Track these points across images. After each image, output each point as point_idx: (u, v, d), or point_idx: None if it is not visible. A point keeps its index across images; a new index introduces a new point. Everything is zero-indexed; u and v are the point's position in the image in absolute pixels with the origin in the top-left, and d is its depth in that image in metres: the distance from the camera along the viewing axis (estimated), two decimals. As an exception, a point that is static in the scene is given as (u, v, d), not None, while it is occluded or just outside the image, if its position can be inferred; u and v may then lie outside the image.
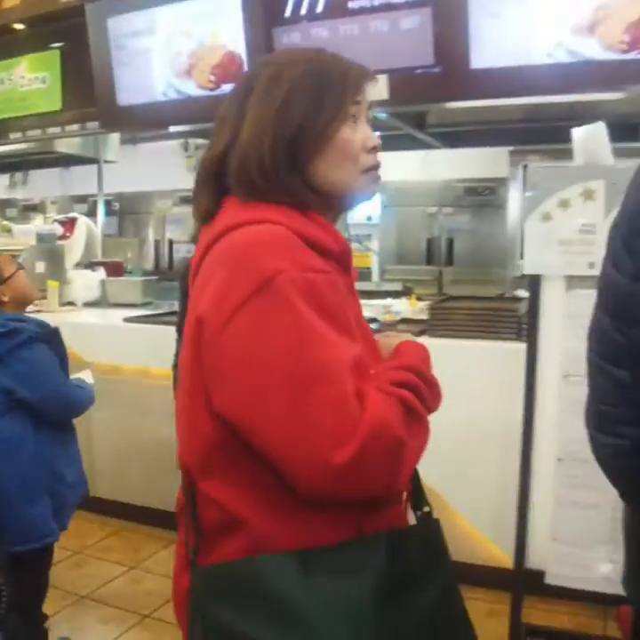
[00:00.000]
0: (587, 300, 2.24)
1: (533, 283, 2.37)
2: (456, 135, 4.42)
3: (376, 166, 1.14)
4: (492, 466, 2.79)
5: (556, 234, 2.29)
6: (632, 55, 2.71)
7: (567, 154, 3.99)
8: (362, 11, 3.24)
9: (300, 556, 0.98)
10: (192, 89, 3.66)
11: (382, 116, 3.54)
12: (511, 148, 4.32)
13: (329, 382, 0.95)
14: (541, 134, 4.03)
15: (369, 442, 0.94)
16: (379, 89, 3.12)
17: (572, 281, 2.31)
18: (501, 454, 2.65)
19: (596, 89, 2.86)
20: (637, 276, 0.90)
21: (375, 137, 1.13)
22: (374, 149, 1.13)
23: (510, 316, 2.76)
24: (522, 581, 2.54)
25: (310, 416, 0.94)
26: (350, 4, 3.26)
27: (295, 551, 0.99)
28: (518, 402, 2.45)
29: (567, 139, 3.93)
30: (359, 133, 1.12)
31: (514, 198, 4.42)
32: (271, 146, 1.06)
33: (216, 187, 1.12)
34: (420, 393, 1.04)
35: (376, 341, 1.18)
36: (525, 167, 4.35)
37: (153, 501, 3.45)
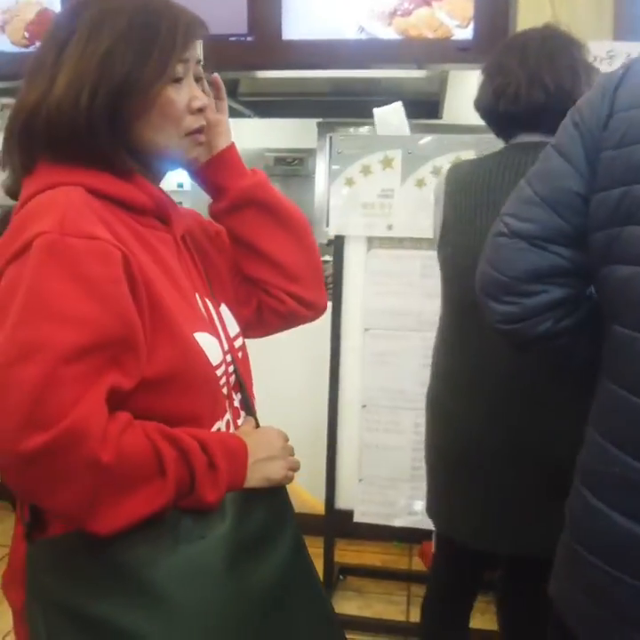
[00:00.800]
0: (385, 259, 2.44)
1: (338, 243, 2.53)
2: (267, 105, 4.49)
3: (200, 129, 1.08)
4: (302, 418, 2.94)
5: (359, 198, 2.46)
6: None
7: (372, 127, 4.22)
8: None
9: (143, 527, 0.92)
10: (6, 45, 3.47)
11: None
12: (319, 119, 4.46)
13: (39, 363, 0.84)
14: (348, 108, 4.19)
15: (63, 440, 0.84)
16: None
17: (372, 241, 2.50)
18: (312, 405, 2.79)
19: (399, 66, 3.06)
20: (596, 186, 0.97)
21: (202, 97, 1.07)
22: (200, 111, 1.07)
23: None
24: (333, 522, 2.71)
25: (5, 398, 0.84)
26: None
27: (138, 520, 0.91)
28: (326, 355, 2.60)
29: (369, 113, 4.16)
30: (184, 94, 1.04)
31: (321, 169, 4.57)
32: (89, 103, 0.96)
33: (27, 142, 1.01)
34: (189, 461, 0.94)
35: (196, 303, 1.09)
36: (331, 139, 4.54)
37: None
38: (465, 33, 2.89)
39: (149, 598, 0.92)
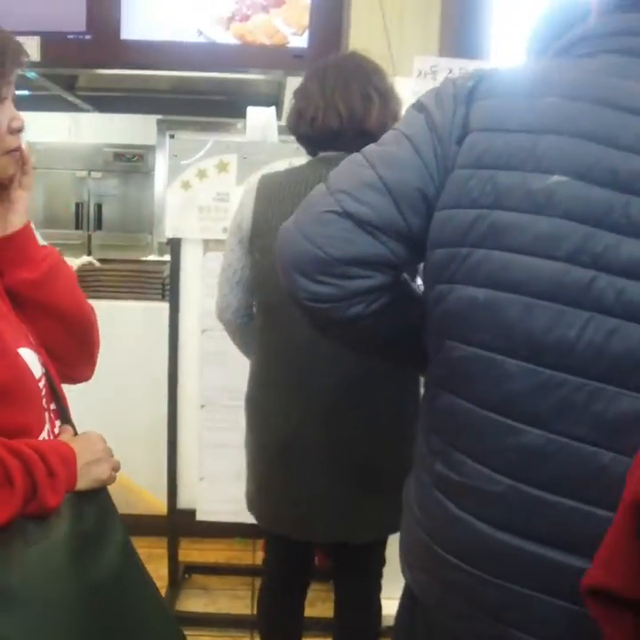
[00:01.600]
0: (221, 261, 2.47)
1: (174, 246, 2.55)
2: (107, 100, 4.41)
3: (17, 148, 1.11)
4: (143, 419, 2.94)
5: (195, 201, 2.49)
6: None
7: (212, 126, 4.24)
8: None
9: None
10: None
11: (31, 74, 3.46)
12: (160, 116, 4.43)
13: None
14: (189, 106, 4.20)
15: None
16: (30, 50, 3.06)
17: (208, 244, 2.53)
18: (152, 407, 2.79)
19: (236, 70, 3.13)
20: (445, 202, 0.96)
21: (19, 117, 1.09)
22: (19, 131, 1.10)
23: (155, 277, 2.93)
24: (176, 521, 2.74)
25: None
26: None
27: None
28: (165, 356, 2.62)
29: (211, 112, 4.18)
30: (5, 114, 1.07)
31: (160, 166, 4.55)
32: None
33: None
34: (31, 471, 0.98)
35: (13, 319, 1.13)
36: (172, 137, 4.52)
37: None
38: (300, 41, 2.99)
39: (7, 600, 0.94)
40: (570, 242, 0.87)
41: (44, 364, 1.14)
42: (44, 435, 1.11)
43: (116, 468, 1.18)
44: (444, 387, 1.00)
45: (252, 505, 1.84)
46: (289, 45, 2.99)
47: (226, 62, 3.05)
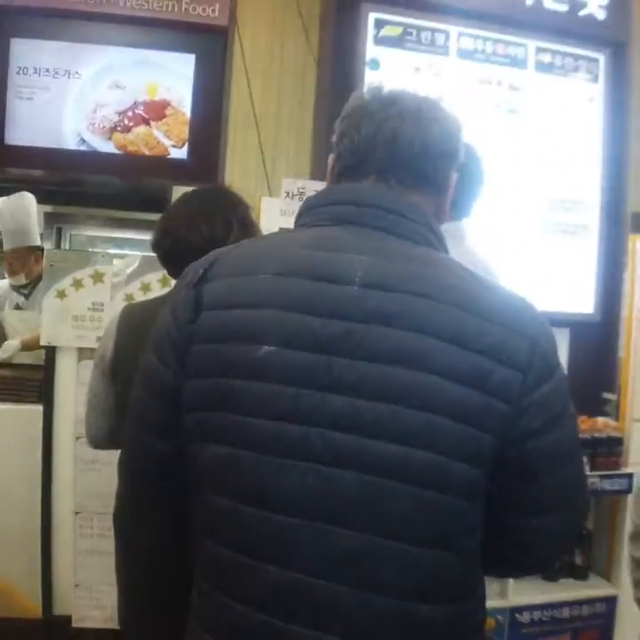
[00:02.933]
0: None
1: (49, 353, 2.59)
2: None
3: None
4: (18, 523, 2.89)
5: (70, 310, 2.56)
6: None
7: (98, 219, 4.27)
8: None
9: None
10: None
11: None
12: (47, 208, 4.42)
13: None
14: (74, 198, 4.20)
15: None
16: None
17: (83, 352, 2.58)
18: (27, 510, 2.76)
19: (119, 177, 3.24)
20: (186, 375, 1.08)
21: None
22: None
23: (32, 382, 2.93)
24: (51, 629, 2.69)
25: None
26: None
27: None
28: (38, 462, 2.62)
29: (97, 204, 4.19)
30: None
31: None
32: None
33: None
34: None
35: None
36: (60, 229, 4.53)
37: None
38: (180, 152, 3.12)
39: None
40: (282, 403, 0.99)
41: None
42: None
43: None
44: (205, 534, 1.09)
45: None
46: (169, 156, 3.11)
47: (109, 170, 3.15)
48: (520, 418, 1.00)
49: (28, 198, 3.66)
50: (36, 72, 3.10)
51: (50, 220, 4.36)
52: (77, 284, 2.55)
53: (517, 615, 2.65)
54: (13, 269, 3.67)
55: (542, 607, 2.69)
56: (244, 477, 1.02)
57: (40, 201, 3.95)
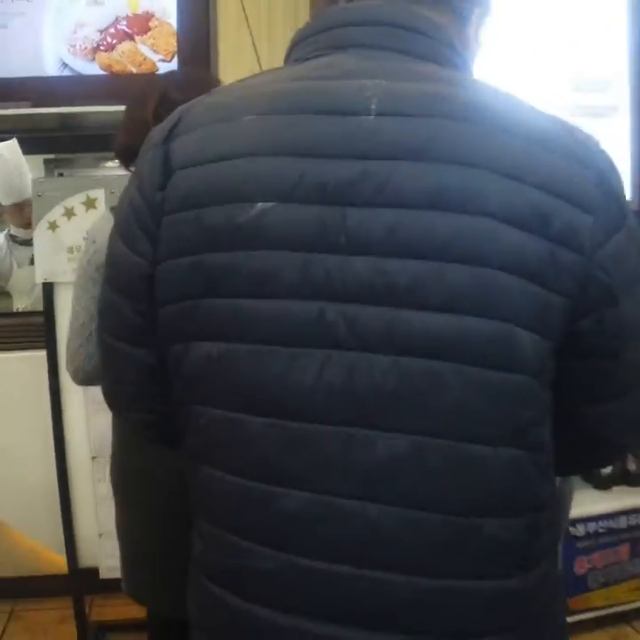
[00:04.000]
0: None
1: (47, 290, 2.43)
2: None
3: None
4: (36, 478, 2.78)
5: (64, 242, 2.37)
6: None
7: (101, 161, 4.11)
8: None
9: None
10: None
11: None
12: (48, 156, 4.28)
13: None
14: (76, 143, 4.06)
15: None
16: None
17: (83, 285, 2.40)
18: (43, 463, 2.64)
19: (104, 102, 3.02)
20: (159, 256, 0.84)
21: None
22: None
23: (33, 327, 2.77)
24: (78, 581, 2.59)
25: None
26: None
27: None
28: (47, 407, 2.49)
29: (97, 148, 4.05)
30: None
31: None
32: None
33: None
34: None
35: None
36: (61, 175, 4.38)
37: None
38: (169, 66, 2.91)
39: None
40: (286, 275, 0.77)
41: None
42: None
43: None
44: (200, 459, 0.87)
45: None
46: (159, 72, 2.90)
47: (96, 94, 2.94)
48: (594, 275, 0.77)
49: (16, 148, 3.44)
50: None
51: (49, 166, 4.18)
52: (68, 212, 2.35)
53: (572, 529, 2.49)
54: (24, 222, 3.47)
55: (597, 518, 2.55)
56: (245, 378, 0.79)
57: (36, 151, 3.79)
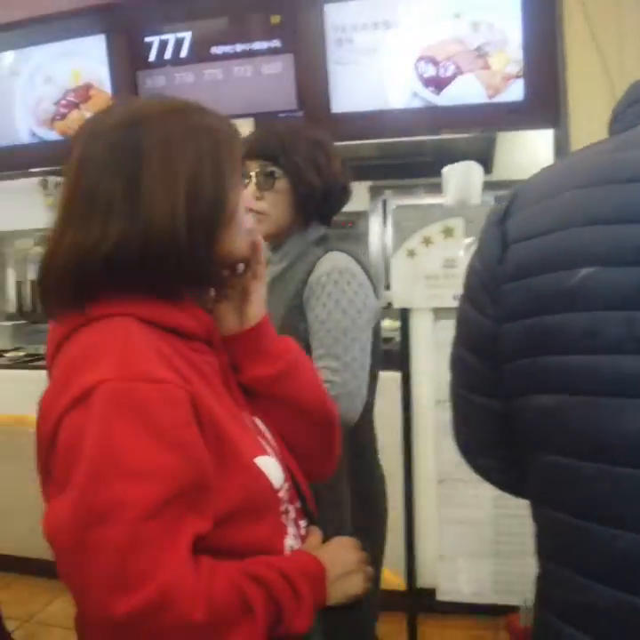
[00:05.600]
0: (453, 330, 2.41)
1: (403, 315, 2.50)
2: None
3: (253, 228, 1.11)
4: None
5: (421, 269, 2.44)
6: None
7: (420, 188, 4.21)
8: (225, 56, 3.35)
9: None
10: (54, 135, 3.70)
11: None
12: (370, 182, 4.48)
13: (119, 524, 0.81)
14: (395, 170, 4.20)
15: (155, 603, 0.81)
16: (244, 132, 3.22)
17: (439, 312, 2.46)
18: (389, 480, 2.72)
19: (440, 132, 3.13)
20: (500, 319, 0.96)
21: (248, 193, 1.11)
22: (251, 210, 1.11)
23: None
24: (415, 601, 2.64)
25: (89, 565, 0.82)
26: (214, 50, 3.37)
27: None
28: (397, 429, 2.55)
29: (418, 174, 4.16)
30: (242, 197, 1.07)
31: (374, 230, 4.59)
32: (187, 230, 0.95)
33: (85, 278, 0.95)
34: (274, 597, 0.92)
35: (250, 426, 1.08)
36: (384, 202, 4.56)
37: (40, 552, 3.30)
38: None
39: None
40: (611, 332, 0.83)
41: (286, 468, 1.09)
42: (290, 541, 1.05)
43: (370, 579, 1.09)
44: (541, 501, 0.96)
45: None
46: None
47: (438, 124, 3.02)
48: None
49: None
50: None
51: (375, 193, 4.39)
52: (427, 240, 2.42)
53: None
54: None
55: None
56: (577, 427, 0.87)
57: (360, 177, 4.00)
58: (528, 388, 0.93)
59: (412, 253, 2.44)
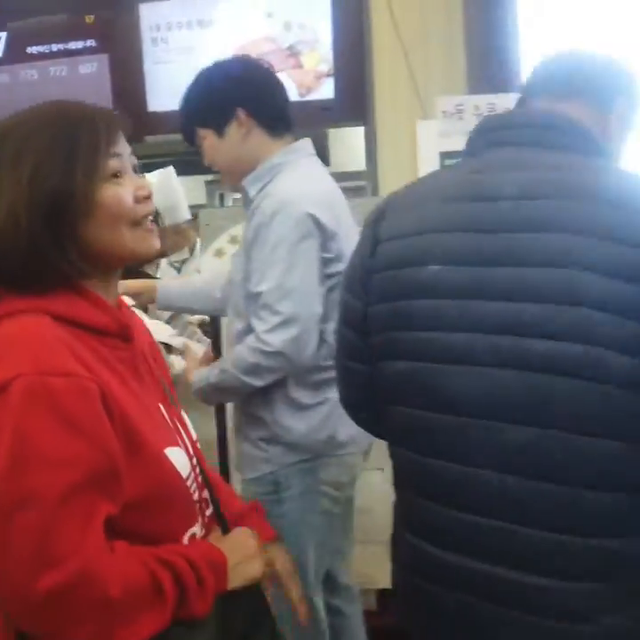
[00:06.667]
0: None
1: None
2: (157, 165, 4.52)
3: (148, 214, 1.09)
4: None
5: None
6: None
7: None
8: (41, 56, 3.33)
9: None
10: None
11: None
12: (209, 177, 4.50)
13: (38, 509, 0.88)
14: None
15: (74, 580, 0.89)
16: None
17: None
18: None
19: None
20: (370, 302, 1.22)
21: (146, 185, 1.08)
22: (146, 199, 1.08)
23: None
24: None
25: (11, 547, 0.88)
26: (29, 50, 3.34)
27: None
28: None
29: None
30: (128, 186, 1.06)
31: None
32: (27, 224, 0.97)
33: None
34: (181, 581, 0.99)
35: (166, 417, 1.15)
36: (222, 196, 4.59)
37: None
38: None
39: None
40: (449, 314, 1.10)
41: (192, 458, 1.16)
42: (195, 529, 1.13)
43: (269, 564, 1.20)
44: (397, 443, 1.25)
45: None
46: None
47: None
48: None
49: (171, 172, 3.62)
50: None
51: (211, 188, 4.42)
52: (233, 240, 2.50)
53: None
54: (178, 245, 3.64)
55: None
56: (423, 386, 1.14)
57: (197, 172, 4.02)
58: (388, 355, 1.20)
59: (220, 252, 2.52)
